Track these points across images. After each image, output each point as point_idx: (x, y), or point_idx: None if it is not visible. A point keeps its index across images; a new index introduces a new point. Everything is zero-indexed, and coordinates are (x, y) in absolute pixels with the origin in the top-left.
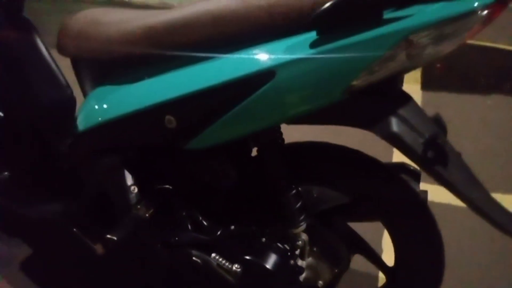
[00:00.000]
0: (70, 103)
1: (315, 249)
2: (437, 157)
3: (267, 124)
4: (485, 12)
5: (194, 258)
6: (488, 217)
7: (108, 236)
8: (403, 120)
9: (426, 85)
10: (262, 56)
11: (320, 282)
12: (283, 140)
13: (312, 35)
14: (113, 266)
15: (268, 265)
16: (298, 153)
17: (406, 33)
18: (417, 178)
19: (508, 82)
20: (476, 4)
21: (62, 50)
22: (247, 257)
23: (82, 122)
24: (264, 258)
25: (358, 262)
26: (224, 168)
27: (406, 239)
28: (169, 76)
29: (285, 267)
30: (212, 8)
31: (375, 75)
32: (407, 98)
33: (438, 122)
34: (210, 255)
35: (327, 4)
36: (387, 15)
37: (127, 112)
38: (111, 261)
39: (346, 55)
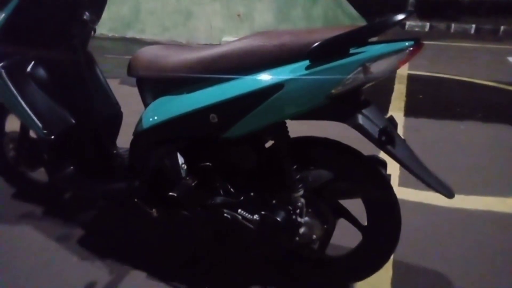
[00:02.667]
0: (118, 116)
1: (310, 210)
2: (388, 140)
3: (277, 119)
4: (408, 50)
5: (225, 214)
6: (424, 181)
7: (170, 193)
8: (365, 116)
9: (408, 112)
10: (275, 75)
11: (314, 236)
12: (289, 136)
13: (306, 62)
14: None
15: (278, 218)
16: (300, 143)
17: (363, 61)
18: (384, 165)
19: (479, 111)
20: (403, 45)
21: (131, 73)
22: (263, 212)
23: (146, 122)
24: (275, 213)
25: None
26: (247, 153)
27: (375, 207)
28: (212, 88)
29: (289, 221)
30: (242, 45)
31: (346, 87)
32: (369, 102)
33: (391, 120)
34: (237, 211)
35: (315, 44)
36: (352, 50)
37: (183, 112)
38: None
39: (329, 75)
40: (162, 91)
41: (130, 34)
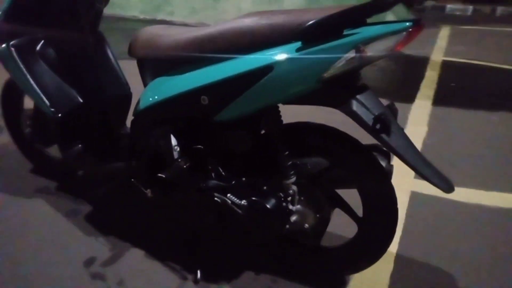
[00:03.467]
0: (128, 96)
1: (302, 198)
2: (382, 128)
3: (268, 103)
4: (406, 32)
5: (215, 198)
6: (418, 172)
7: (159, 174)
8: (359, 102)
9: (437, 101)
10: (265, 56)
11: (306, 225)
12: (281, 121)
13: (298, 44)
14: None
15: (267, 204)
16: (294, 129)
17: (356, 43)
18: (387, 155)
19: None
20: (400, 26)
21: (132, 53)
22: (253, 198)
23: (143, 102)
24: (265, 199)
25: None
26: (240, 137)
27: (370, 198)
28: (204, 69)
29: (279, 208)
30: (234, 25)
31: (339, 70)
32: (365, 88)
33: (390, 107)
34: (226, 195)
35: (307, 24)
36: (346, 31)
37: (175, 93)
38: (159, 205)
39: (319, 56)
40: (159, 71)
41: (160, 16)
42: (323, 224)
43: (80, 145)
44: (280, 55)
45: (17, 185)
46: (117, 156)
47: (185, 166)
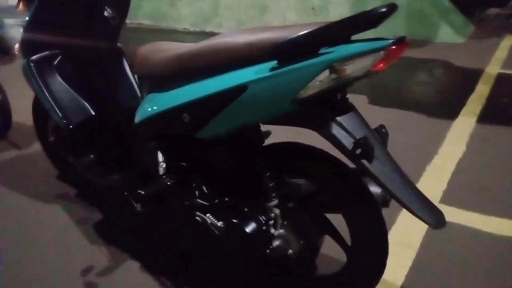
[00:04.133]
0: None
1: (285, 223)
2: (363, 153)
3: (245, 123)
4: (385, 51)
5: (196, 216)
6: (402, 203)
7: (139, 191)
8: (339, 124)
9: (483, 118)
10: (239, 75)
11: (291, 251)
12: (262, 141)
13: (274, 63)
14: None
15: (246, 228)
16: (280, 149)
17: (329, 62)
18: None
19: None
20: (377, 45)
21: (132, 70)
22: (232, 220)
23: (136, 118)
24: (244, 222)
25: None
26: (223, 155)
27: (358, 226)
28: (185, 87)
29: (259, 232)
30: (212, 44)
31: (314, 90)
32: (349, 109)
33: (378, 131)
34: (206, 214)
35: (279, 42)
36: (323, 50)
37: (160, 110)
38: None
39: (291, 76)
40: (151, 88)
41: (209, 28)
42: (310, 251)
43: (92, 156)
44: (254, 74)
45: (40, 189)
46: (129, 167)
47: (169, 183)
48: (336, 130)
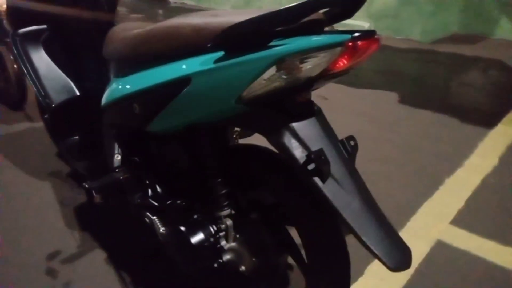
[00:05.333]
0: None
1: (238, 236)
2: (316, 170)
3: (193, 119)
4: (342, 47)
5: (145, 218)
6: (357, 236)
7: (85, 184)
8: (293, 133)
9: None
10: (186, 65)
11: (243, 267)
12: (215, 142)
13: (221, 53)
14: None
15: (191, 237)
16: (239, 153)
17: (276, 57)
18: None
19: None
20: (332, 40)
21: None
22: (177, 226)
23: (102, 104)
24: (191, 230)
25: None
26: (177, 153)
27: (314, 244)
28: (138, 74)
29: (206, 243)
30: (163, 26)
31: (260, 90)
32: (310, 114)
33: (343, 143)
34: (153, 216)
35: (223, 30)
36: (275, 42)
37: (115, 98)
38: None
39: (230, 71)
40: (116, 72)
41: None
42: (268, 268)
43: (72, 138)
44: (198, 65)
45: (37, 165)
46: (96, 153)
47: (121, 177)
48: (287, 139)
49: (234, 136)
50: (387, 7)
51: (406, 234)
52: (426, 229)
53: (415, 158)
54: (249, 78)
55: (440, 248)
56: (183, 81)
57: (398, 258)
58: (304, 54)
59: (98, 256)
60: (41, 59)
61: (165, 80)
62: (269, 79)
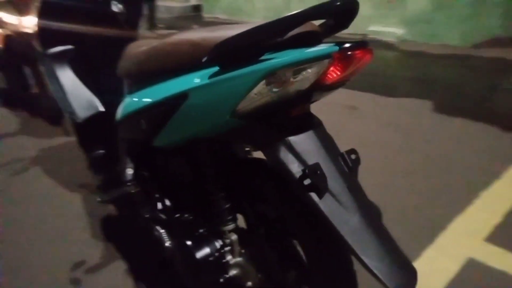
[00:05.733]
0: None
1: (243, 251)
2: (312, 185)
3: (193, 134)
4: (330, 59)
5: (154, 231)
6: (355, 254)
7: (98, 198)
8: (289, 147)
9: None
10: (183, 81)
11: (249, 283)
12: (216, 157)
13: (215, 68)
14: None
15: (196, 252)
16: (242, 168)
17: (265, 71)
18: None
19: None
20: (318, 53)
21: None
22: (185, 240)
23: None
24: (196, 245)
25: None
26: (182, 169)
27: (319, 263)
28: (143, 91)
29: (211, 258)
30: (163, 44)
31: (253, 104)
32: (308, 127)
33: (343, 157)
34: (161, 230)
35: (216, 45)
36: (267, 55)
37: (126, 114)
38: None
39: (223, 86)
40: (128, 89)
41: None
42: (275, 284)
43: (99, 152)
44: (194, 81)
45: (69, 177)
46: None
47: (133, 191)
48: (283, 153)
49: (247, 149)
50: (421, 12)
51: (433, 251)
52: (456, 246)
53: (447, 170)
54: (241, 92)
55: (472, 267)
56: (181, 96)
57: (400, 278)
58: (292, 67)
59: (120, 267)
60: (67, 77)
61: (166, 96)
62: (260, 93)
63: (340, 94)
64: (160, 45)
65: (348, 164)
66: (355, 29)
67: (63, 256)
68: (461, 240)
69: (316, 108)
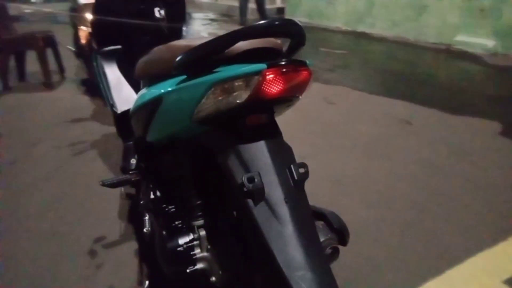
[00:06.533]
0: None
1: (209, 247)
2: (250, 193)
3: (169, 134)
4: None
5: (143, 217)
6: (275, 259)
7: (101, 181)
8: (237, 153)
9: None
10: (162, 86)
11: (213, 278)
12: (190, 156)
13: (183, 76)
14: None
15: (166, 241)
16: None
17: (210, 83)
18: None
19: None
20: (248, 70)
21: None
22: (162, 230)
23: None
24: (168, 235)
25: None
26: (166, 164)
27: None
28: (142, 92)
29: (180, 248)
30: (157, 52)
31: (205, 111)
32: (259, 138)
33: (290, 169)
34: (145, 217)
35: (181, 55)
36: (222, 68)
37: (131, 111)
38: None
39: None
40: (142, 88)
41: (360, 28)
42: (240, 284)
43: (131, 142)
44: (167, 87)
45: (114, 161)
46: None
47: (133, 179)
48: (231, 159)
49: None
50: None
51: (437, 284)
52: (467, 282)
53: (490, 198)
54: (194, 100)
55: None
56: (158, 99)
57: None
58: (228, 81)
59: (132, 246)
60: (113, 73)
61: (150, 98)
62: (207, 102)
63: (397, 107)
64: (155, 50)
65: (293, 177)
66: (440, 38)
67: (89, 229)
68: (475, 277)
69: (366, 117)
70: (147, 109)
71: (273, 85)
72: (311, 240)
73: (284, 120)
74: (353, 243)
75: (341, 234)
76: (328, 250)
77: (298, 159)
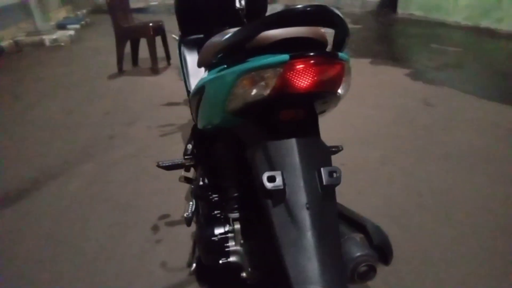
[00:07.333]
0: None
1: (242, 241)
2: (270, 192)
3: (211, 122)
4: (282, 68)
5: (190, 202)
6: (285, 269)
7: (157, 162)
8: (265, 149)
9: None
10: (205, 76)
11: (244, 274)
12: (232, 147)
13: (224, 65)
14: None
15: (202, 230)
16: None
17: (236, 74)
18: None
19: None
20: (272, 61)
21: None
22: (202, 218)
23: None
24: (206, 224)
25: None
26: (218, 150)
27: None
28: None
29: (215, 238)
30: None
31: (237, 102)
32: (291, 135)
33: (321, 175)
34: (191, 203)
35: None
36: (250, 59)
37: (190, 95)
38: None
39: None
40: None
41: (484, 23)
42: (271, 282)
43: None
44: (210, 75)
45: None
46: None
47: (187, 164)
48: (258, 154)
49: None
50: None
51: None
52: None
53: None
54: (225, 90)
55: None
56: (202, 88)
57: None
58: (254, 72)
59: (190, 228)
60: (193, 61)
61: (198, 86)
62: (236, 93)
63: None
64: (208, 43)
65: (322, 182)
66: None
67: (157, 206)
68: None
69: (468, 125)
70: (195, 96)
71: (298, 78)
72: (330, 254)
73: (364, 118)
74: (424, 264)
75: (381, 252)
76: (362, 268)
77: (372, 164)
